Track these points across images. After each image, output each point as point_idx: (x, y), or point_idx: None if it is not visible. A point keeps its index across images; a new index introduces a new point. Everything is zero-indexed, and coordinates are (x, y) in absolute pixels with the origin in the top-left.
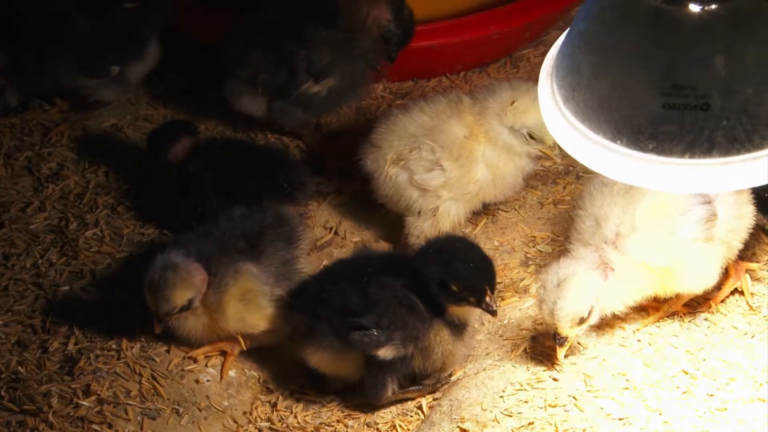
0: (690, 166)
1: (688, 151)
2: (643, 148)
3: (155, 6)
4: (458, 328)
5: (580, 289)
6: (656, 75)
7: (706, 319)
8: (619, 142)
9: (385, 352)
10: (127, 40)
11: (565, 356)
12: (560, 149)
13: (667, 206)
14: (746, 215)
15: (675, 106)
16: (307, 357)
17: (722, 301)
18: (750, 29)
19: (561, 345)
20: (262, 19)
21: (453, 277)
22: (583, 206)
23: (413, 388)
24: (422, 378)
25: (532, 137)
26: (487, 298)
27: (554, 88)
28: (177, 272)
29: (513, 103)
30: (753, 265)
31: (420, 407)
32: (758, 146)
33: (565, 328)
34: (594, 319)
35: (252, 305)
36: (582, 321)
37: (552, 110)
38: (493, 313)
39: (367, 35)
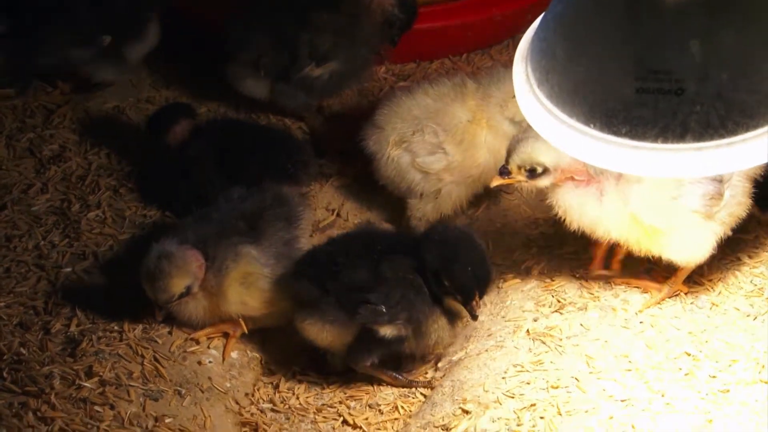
0: (663, 151)
1: (662, 135)
2: (616, 132)
3: None
4: (453, 317)
5: (543, 142)
6: (631, 59)
7: (708, 300)
8: (592, 125)
9: (386, 330)
10: (124, 16)
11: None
12: None
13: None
14: (745, 205)
15: (649, 90)
16: (305, 327)
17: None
18: (726, 14)
19: (500, 175)
20: (266, 3)
21: (448, 273)
22: None
23: (391, 373)
24: (406, 358)
25: None
26: (474, 302)
27: (529, 71)
28: (172, 261)
29: (515, 96)
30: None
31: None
32: (732, 132)
33: (513, 164)
34: (547, 181)
35: (253, 288)
36: (532, 172)
37: (526, 93)
38: (475, 317)
39: (371, 19)
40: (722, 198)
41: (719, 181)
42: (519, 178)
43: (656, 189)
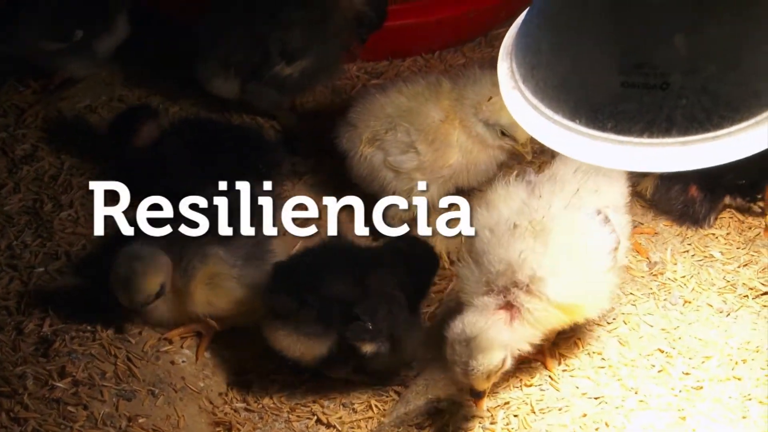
0: (649, 146)
1: (647, 130)
2: (601, 127)
3: None
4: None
5: (490, 343)
6: (616, 53)
7: (681, 297)
8: (577, 120)
9: (368, 347)
10: (94, 10)
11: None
12: (531, 147)
13: (582, 245)
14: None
15: (634, 84)
16: (278, 338)
17: None
18: (711, 7)
19: (480, 398)
20: (236, 1)
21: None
22: (486, 252)
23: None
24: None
25: (504, 134)
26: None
27: (513, 66)
28: (143, 260)
29: (490, 98)
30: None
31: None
32: (718, 126)
33: (483, 385)
34: (508, 366)
35: (220, 289)
36: (497, 371)
37: (511, 89)
38: None
39: (341, 17)
40: (620, 243)
41: (613, 231)
42: (486, 387)
43: (570, 270)
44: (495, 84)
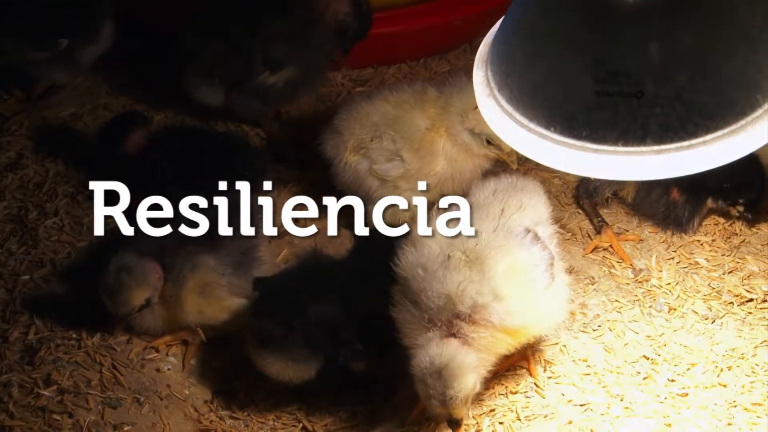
0: (624, 154)
1: (622, 138)
2: (576, 135)
3: None
4: None
5: (461, 369)
6: (590, 62)
7: (666, 304)
8: (552, 129)
9: (360, 366)
10: (78, 19)
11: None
12: (517, 155)
13: (519, 266)
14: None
15: (609, 93)
16: (266, 365)
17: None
18: (685, 16)
19: (460, 426)
20: (219, 10)
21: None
22: (423, 289)
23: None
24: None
25: (490, 143)
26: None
27: (489, 75)
28: (131, 274)
29: (476, 107)
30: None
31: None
32: (692, 134)
33: (462, 412)
34: (478, 388)
35: (210, 298)
36: (473, 395)
37: (486, 97)
38: None
39: (325, 26)
40: (554, 257)
41: (546, 248)
42: (464, 413)
43: (513, 294)
44: None
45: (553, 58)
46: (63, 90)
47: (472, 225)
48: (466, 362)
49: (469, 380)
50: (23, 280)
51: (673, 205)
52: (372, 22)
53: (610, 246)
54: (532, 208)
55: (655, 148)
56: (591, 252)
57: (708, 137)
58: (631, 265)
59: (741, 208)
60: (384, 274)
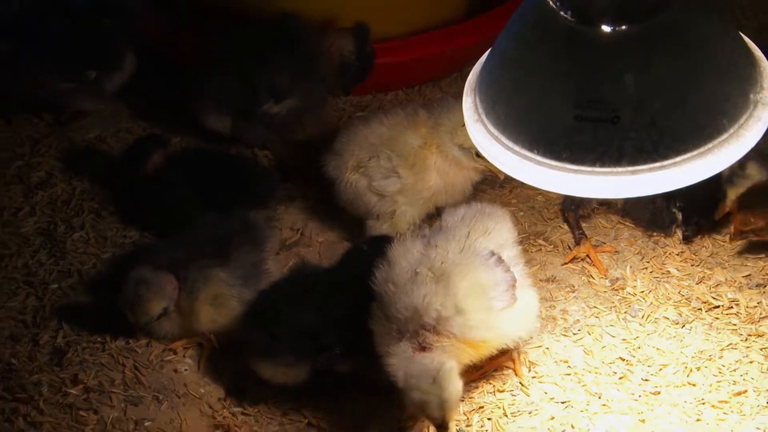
0: (601, 174)
1: (599, 160)
2: (558, 157)
3: (130, 24)
4: None
5: (451, 372)
6: (570, 90)
7: (640, 310)
8: (536, 151)
9: (344, 367)
10: (104, 51)
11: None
12: None
13: (481, 285)
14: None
15: (587, 118)
16: (261, 370)
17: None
18: (658, 48)
19: (447, 429)
20: (229, 44)
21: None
22: (392, 302)
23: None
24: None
25: (479, 155)
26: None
27: (477, 101)
28: (149, 286)
29: (464, 125)
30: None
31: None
32: (664, 156)
33: (455, 414)
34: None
35: (222, 308)
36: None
37: (474, 122)
38: None
39: (328, 62)
40: (516, 279)
41: (507, 270)
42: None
43: (473, 310)
44: None
45: (536, 87)
46: (89, 115)
47: (437, 246)
48: (454, 367)
49: (459, 382)
50: (52, 288)
51: (659, 211)
52: (374, 65)
53: (587, 256)
54: (497, 232)
55: (630, 168)
56: (570, 262)
57: (678, 159)
58: (605, 275)
59: (685, 227)
60: (364, 284)
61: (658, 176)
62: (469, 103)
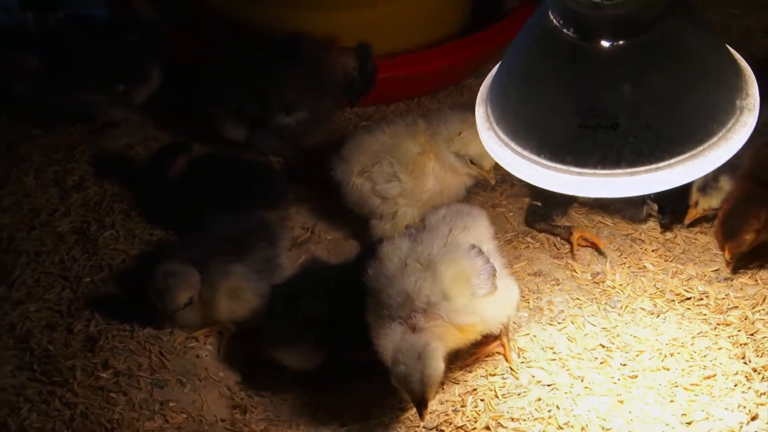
0: (602, 176)
1: (600, 163)
2: (562, 161)
3: (155, 41)
4: None
5: (436, 352)
6: (573, 100)
7: (619, 302)
8: (542, 156)
9: (358, 355)
10: (132, 67)
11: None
12: (495, 173)
13: (464, 273)
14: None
15: (589, 126)
16: (281, 357)
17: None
18: (653, 59)
19: (426, 407)
20: (244, 60)
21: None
22: (384, 290)
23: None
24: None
25: (473, 162)
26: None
27: (488, 111)
28: (176, 277)
29: (460, 133)
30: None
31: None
32: (659, 159)
33: (434, 393)
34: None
35: (239, 300)
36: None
37: (486, 129)
38: None
39: (335, 78)
40: (496, 270)
41: (488, 261)
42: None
43: (458, 296)
44: (463, 121)
45: (542, 97)
46: (119, 125)
47: (422, 242)
48: (438, 348)
49: (441, 363)
50: (85, 282)
51: (635, 204)
52: (375, 81)
53: (581, 238)
54: (476, 228)
55: (629, 170)
56: (577, 250)
57: (672, 161)
58: (602, 246)
59: (662, 215)
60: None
61: (654, 177)
62: (481, 112)
